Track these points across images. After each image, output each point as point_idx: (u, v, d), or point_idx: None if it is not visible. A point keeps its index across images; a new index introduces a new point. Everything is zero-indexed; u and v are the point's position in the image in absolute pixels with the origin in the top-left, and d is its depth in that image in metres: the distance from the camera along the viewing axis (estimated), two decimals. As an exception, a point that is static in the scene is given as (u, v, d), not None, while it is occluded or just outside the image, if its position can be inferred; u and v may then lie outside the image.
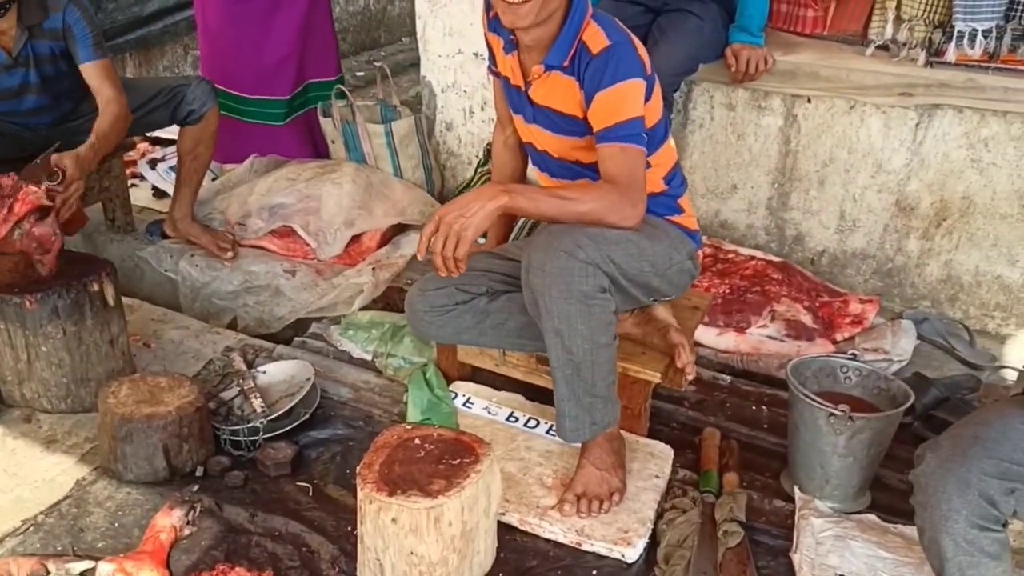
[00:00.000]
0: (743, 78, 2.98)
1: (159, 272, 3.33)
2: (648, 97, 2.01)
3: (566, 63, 2.02)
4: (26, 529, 2.08)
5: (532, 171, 2.40)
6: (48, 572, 1.90)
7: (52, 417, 2.50)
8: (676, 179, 2.23)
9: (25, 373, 2.49)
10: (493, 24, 2.16)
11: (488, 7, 2.16)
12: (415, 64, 4.69)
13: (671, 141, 2.22)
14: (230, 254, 3.31)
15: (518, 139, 2.36)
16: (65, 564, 1.92)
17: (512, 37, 2.10)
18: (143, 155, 4.02)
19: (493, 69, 2.28)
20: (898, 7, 2.93)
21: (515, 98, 2.19)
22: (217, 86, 3.55)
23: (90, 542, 2.06)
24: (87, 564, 1.92)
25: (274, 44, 3.61)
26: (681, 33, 2.93)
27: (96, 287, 2.50)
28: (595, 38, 1.98)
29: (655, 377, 2.28)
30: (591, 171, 2.10)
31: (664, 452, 2.29)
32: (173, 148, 3.84)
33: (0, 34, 2.86)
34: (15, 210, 2.33)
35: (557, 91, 2.06)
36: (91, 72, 2.95)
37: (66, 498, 2.19)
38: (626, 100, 1.96)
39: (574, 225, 1.95)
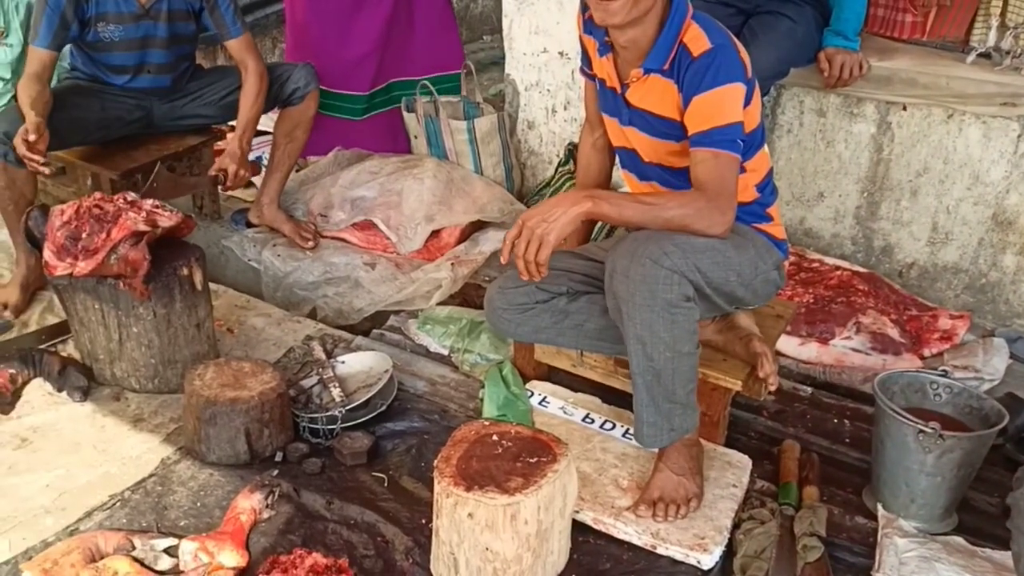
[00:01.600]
0: (836, 83, 2.91)
1: (243, 260, 3.40)
2: (748, 102, 1.97)
3: (666, 66, 2.00)
4: (113, 504, 2.15)
5: (619, 173, 2.38)
6: (134, 547, 1.95)
7: (140, 396, 2.57)
8: (768, 187, 2.19)
9: (116, 353, 2.56)
10: (588, 25, 2.15)
11: (584, 8, 2.15)
12: (496, 62, 4.72)
13: (766, 148, 2.18)
14: (311, 244, 3.37)
15: (607, 141, 2.34)
16: (150, 540, 1.97)
17: (607, 39, 2.08)
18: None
19: (586, 71, 2.27)
20: (1003, 13, 2.83)
21: (610, 101, 2.17)
22: None
23: (173, 520, 2.11)
24: (171, 541, 1.97)
25: (356, 40, 3.65)
26: (773, 36, 2.88)
27: (186, 272, 2.57)
28: (697, 40, 1.95)
29: (736, 385, 2.25)
30: (683, 176, 2.08)
31: (742, 462, 2.25)
32: (263, 140, 3.92)
33: None
34: (112, 235, 2.39)
35: (655, 94, 2.04)
36: (237, 46, 3.11)
37: (151, 476, 2.25)
38: (723, 105, 1.93)
39: (660, 231, 1.93)
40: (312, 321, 3.02)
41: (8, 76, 3.28)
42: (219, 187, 3.09)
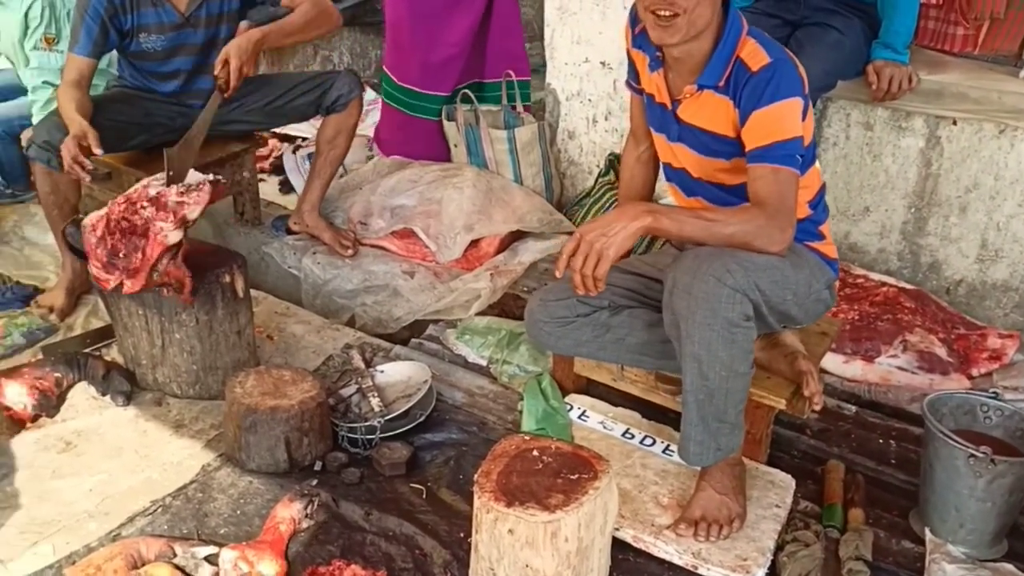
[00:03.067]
0: (884, 97, 2.86)
1: (283, 267, 3.42)
2: (803, 117, 1.95)
3: (721, 83, 1.97)
4: (155, 510, 2.16)
5: (663, 187, 2.36)
6: (175, 554, 1.96)
7: (181, 402, 2.59)
8: (820, 204, 2.16)
9: (159, 358, 2.58)
10: (638, 40, 2.13)
11: (634, 22, 2.13)
12: (536, 70, 4.70)
13: (818, 165, 2.14)
14: (351, 252, 3.38)
15: (652, 155, 2.32)
16: (191, 548, 1.98)
17: (659, 54, 2.06)
18: (271, 153, 4.14)
19: (634, 85, 2.25)
20: (1058, 27, 2.77)
21: (659, 116, 2.15)
22: (391, 77, 3.72)
23: (213, 527, 2.12)
24: (211, 549, 1.98)
25: (446, 42, 3.66)
26: (820, 48, 2.84)
27: (228, 279, 2.58)
28: (755, 55, 1.93)
29: (780, 404, 2.21)
30: (733, 193, 2.05)
31: (785, 481, 2.22)
32: (311, 139, 3.95)
33: None
34: (148, 254, 2.38)
35: (708, 110, 2.02)
36: None
37: (192, 482, 2.26)
38: (783, 119, 1.90)
39: (721, 248, 1.91)
40: (351, 329, 3.02)
41: (57, 82, 3.32)
42: (221, 92, 2.88)
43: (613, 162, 3.54)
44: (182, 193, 2.45)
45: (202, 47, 3.12)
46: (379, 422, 2.41)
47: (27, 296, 3.06)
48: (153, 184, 2.50)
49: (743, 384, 1.96)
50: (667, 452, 2.29)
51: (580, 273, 1.91)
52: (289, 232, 3.51)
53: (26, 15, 3.31)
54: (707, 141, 2.06)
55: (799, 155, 1.92)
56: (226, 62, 2.85)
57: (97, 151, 2.74)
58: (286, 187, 3.97)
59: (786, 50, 1.98)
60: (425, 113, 3.80)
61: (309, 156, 3.95)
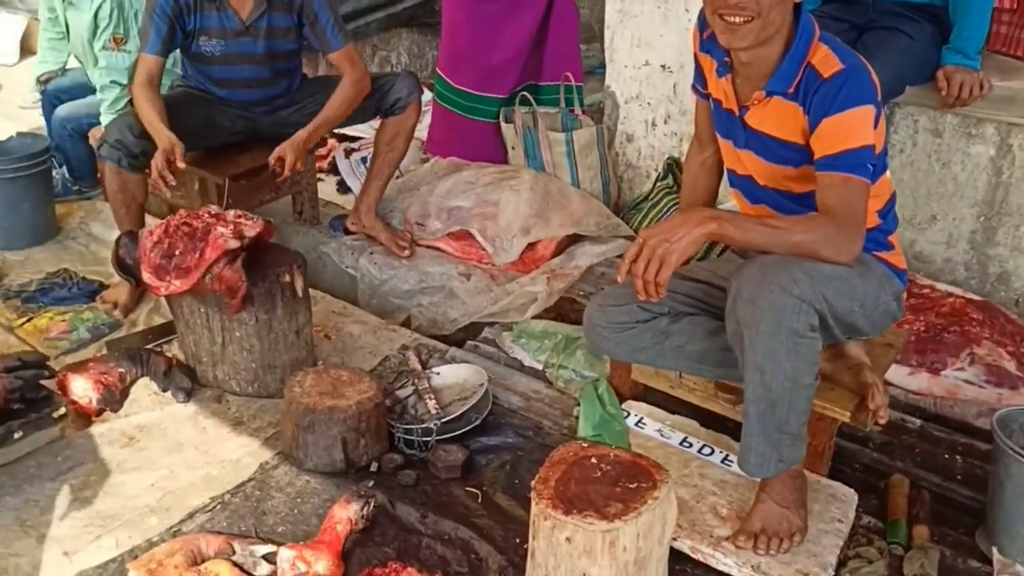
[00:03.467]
0: (954, 103, 2.79)
1: (340, 267, 3.45)
2: (875, 125, 1.90)
3: (791, 89, 1.94)
4: (214, 507, 2.19)
5: (727, 193, 2.33)
6: (234, 552, 1.98)
7: (239, 399, 2.62)
8: (890, 214, 2.11)
9: (219, 355, 2.62)
10: (707, 45, 2.10)
11: (702, 27, 2.10)
12: (592, 71, 4.67)
13: (888, 173, 2.10)
14: (407, 252, 3.39)
15: (717, 160, 2.29)
16: (249, 546, 2.00)
17: (727, 59, 2.03)
18: (330, 152, 4.17)
19: (700, 90, 2.22)
20: None
21: (726, 122, 2.12)
22: (446, 79, 3.73)
23: (271, 525, 2.14)
24: (269, 548, 2.00)
25: (503, 45, 3.67)
26: (888, 52, 2.78)
27: (288, 278, 2.61)
28: (827, 61, 1.89)
29: (844, 416, 2.17)
30: (799, 201, 2.01)
31: (848, 496, 2.17)
32: (367, 140, 3.98)
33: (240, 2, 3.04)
34: (206, 255, 2.44)
35: (776, 117, 1.98)
36: (338, 58, 3.14)
37: (250, 480, 2.29)
38: (855, 127, 1.86)
39: (787, 257, 1.87)
40: (407, 330, 3.04)
41: (124, 82, 3.39)
42: (275, 176, 3.07)
43: (672, 166, 3.50)
44: (240, 217, 2.58)
45: (260, 58, 3.16)
46: (435, 424, 2.41)
47: (92, 292, 3.12)
48: (214, 207, 2.66)
49: (807, 396, 1.92)
50: (726, 462, 2.26)
51: (642, 278, 1.89)
52: (347, 232, 3.54)
53: (95, 16, 3.39)
54: (775, 148, 2.02)
55: (870, 164, 1.88)
56: (281, 158, 3.02)
57: (181, 164, 2.80)
58: (343, 187, 4.00)
59: (860, 56, 1.94)
60: (481, 115, 3.80)
61: (363, 160, 3.99)
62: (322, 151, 4.12)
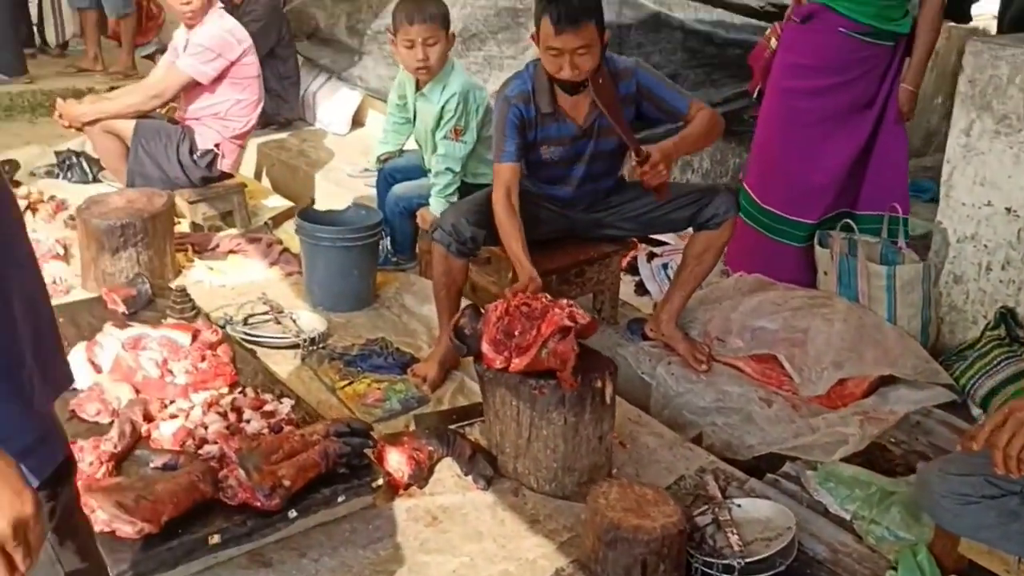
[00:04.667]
0: None
1: (635, 371, 3.44)
2: None
3: None
4: (515, 608, 2.20)
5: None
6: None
7: (536, 496, 2.64)
8: None
9: (523, 449, 2.66)
10: None
11: None
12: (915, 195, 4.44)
13: None
14: (704, 367, 3.33)
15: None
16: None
17: None
18: (633, 253, 4.22)
19: None
20: None
21: None
22: (753, 196, 3.71)
23: (568, 640, 2.11)
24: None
25: (819, 169, 3.61)
26: None
27: (599, 384, 2.62)
28: None
29: None
30: None
31: None
32: (671, 246, 4.00)
33: (573, 107, 3.14)
34: (542, 331, 2.52)
35: None
36: (693, 110, 3.17)
37: (547, 585, 2.29)
38: None
39: None
40: (704, 452, 2.95)
41: (457, 169, 3.62)
42: (640, 165, 2.98)
43: (1005, 316, 3.23)
44: (571, 305, 2.66)
45: (592, 156, 3.26)
46: (739, 563, 2.30)
47: (404, 363, 3.30)
48: (547, 296, 2.74)
49: None
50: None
51: (1004, 451, 1.73)
52: (644, 337, 3.54)
53: (442, 108, 3.66)
54: None
55: None
56: (648, 157, 2.97)
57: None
58: (641, 289, 4.02)
59: None
60: (789, 239, 3.71)
61: (664, 266, 4.00)
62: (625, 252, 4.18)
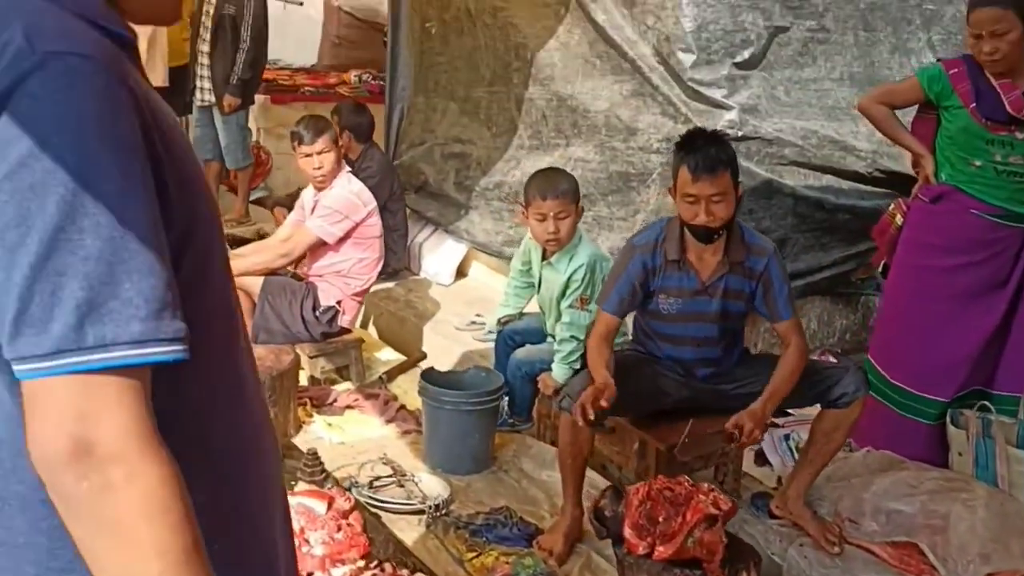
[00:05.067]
0: None
1: (765, 551, 3.34)
2: None
3: None
4: None
5: None
6: None
7: None
8: None
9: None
10: None
11: None
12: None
13: None
14: (837, 550, 3.22)
15: None
16: None
17: None
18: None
19: None
20: None
21: None
22: (879, 370, 3.66)
23: None
24: None
25: (951, 345, 3.57)
26: None
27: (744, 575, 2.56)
28: None
29: None
30: None
31: None
32: (793, 418, 3.95)
33: (699, 260, 3.19)
34: (687, 519, 2.52)
35: None
36: (785, 328, 3.20)
37: None
38: None
39: None
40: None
41: (581, 337, 3.67)
42: (732, 443, 3.06)
43: None
44: (713, 490, 2.68)
45: (712, 316, 3.27)
46: None
47: (530, 535, 3.26)
48: (688, 479, 2.76)
49: None
50: None
51: None
52: (771, 515, 3.45)
53: (569, 277, 3.74)
54: None
55: None
56: (740, 426, 3.00)
57: (604, 404, 2.93)
58: (761, 460, 3.94)
59: None
60: (919, 416, 3.63)
61: (786, 437, 3.93)
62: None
